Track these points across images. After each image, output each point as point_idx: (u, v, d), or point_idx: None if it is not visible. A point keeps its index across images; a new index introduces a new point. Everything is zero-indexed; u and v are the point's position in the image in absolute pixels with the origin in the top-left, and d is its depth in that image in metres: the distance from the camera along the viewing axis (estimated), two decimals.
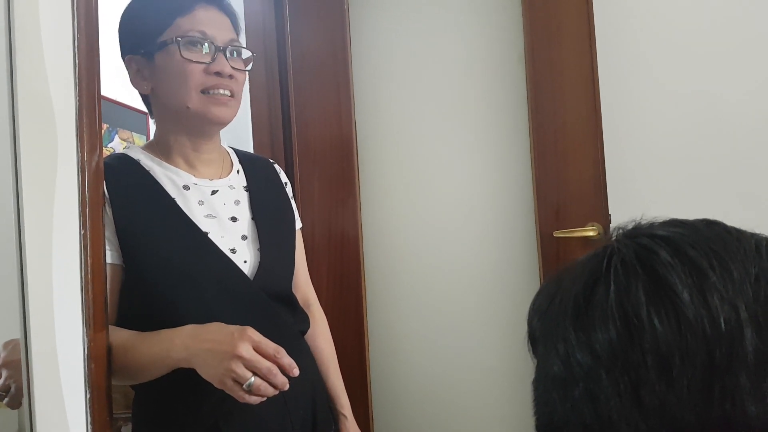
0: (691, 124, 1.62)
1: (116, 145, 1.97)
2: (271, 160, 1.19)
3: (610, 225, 1.57)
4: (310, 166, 1.79)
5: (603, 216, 1.57)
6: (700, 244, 0.41)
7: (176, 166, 1.01)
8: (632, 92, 1.65)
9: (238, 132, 1.81)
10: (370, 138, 1.90)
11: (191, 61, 0.95)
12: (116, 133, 1.97)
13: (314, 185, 1.78)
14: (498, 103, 1.81)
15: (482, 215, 1.82)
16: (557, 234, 1.61)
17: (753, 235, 0.42)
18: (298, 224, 1.16)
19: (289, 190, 1.16)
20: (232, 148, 1.13)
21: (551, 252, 1.63)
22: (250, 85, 1.83)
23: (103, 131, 1.92)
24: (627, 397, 0.39)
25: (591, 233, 1.58)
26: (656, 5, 1.65)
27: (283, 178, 1.16)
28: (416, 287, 1.86)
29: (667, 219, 0.45)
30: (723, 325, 0.37)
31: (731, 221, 1.48)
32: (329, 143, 1.80)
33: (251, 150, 1.82)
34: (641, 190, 1.64)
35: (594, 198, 1.57)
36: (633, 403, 0.39)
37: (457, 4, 1.86)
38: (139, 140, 2.07)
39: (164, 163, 1.00)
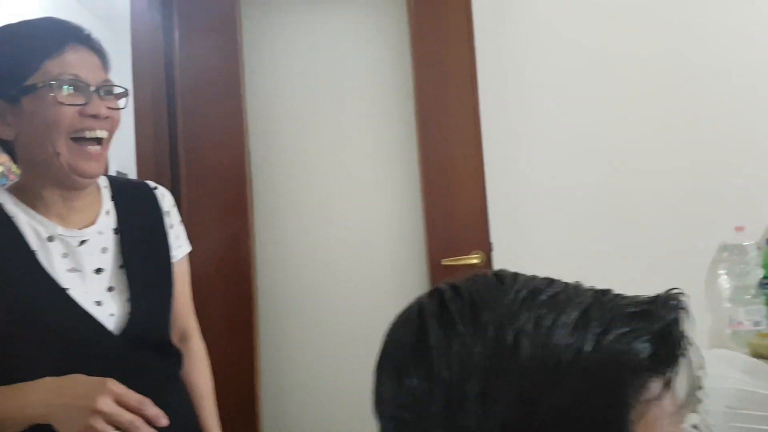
0: (567, 162, 1.76)
1: None
2: (152, 185, 1.13)
3: (492, 253, 1.68)
4: (200, 196, 1.74)
5: (486, 245, 1.67)
6: (463, 295, 0.44)
7: (43, 214, 0.96)
8: (513, 131, 1.78)
9: (122, 160, 1.73)
10: (264, 165, 1.89)
11: (65, 104, 0.91)
12: None
13: (204, 215, 1.73)
14: (392, 135, 1.88)
15: (377, 244, 1.86)
16: (445, 262, 1.69)
17: (527, 283, 0.44)
18: (185, 250, 1.14)
19: (172, 216, 1.11)
20: (109, 178, 1.08)
21: (440, 279, 1.68)
22: (134, 109, 1.76)
23: None
24: None
25: (475, 261, 1.67)
26: (537, 45, 1.79)
27: (166, 205, 1.11)
28: (311, 315, 1.86)
29: (482, 272, 0.48)
30: (457, 369, 0.40)
31: (601, 252, 1.62)
32: (220, 171, 1.76)
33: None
34: (519, 221, 1.76)
35: (477, 228, 1.67)
36: None
37: (351, 38, 1.91)
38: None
39: (30, 210, 0.95)
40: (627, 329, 0.40)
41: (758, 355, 1.51)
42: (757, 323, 1.60)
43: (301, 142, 1.90)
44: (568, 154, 1.77)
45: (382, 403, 0.45)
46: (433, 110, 1.72)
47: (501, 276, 0.46)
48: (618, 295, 0.43)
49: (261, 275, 1.84)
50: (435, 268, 1.70)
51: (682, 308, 0.42)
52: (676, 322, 0.41)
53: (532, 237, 1.75)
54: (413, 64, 1.75)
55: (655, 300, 0.42)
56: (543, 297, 0.42)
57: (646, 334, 0.40)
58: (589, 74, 1.78)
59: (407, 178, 1.85)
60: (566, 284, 0.45)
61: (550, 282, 0.45)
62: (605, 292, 0.44)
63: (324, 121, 1.90)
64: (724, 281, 1.70)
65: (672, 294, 0.42)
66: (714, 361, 1.52)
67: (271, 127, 1.90)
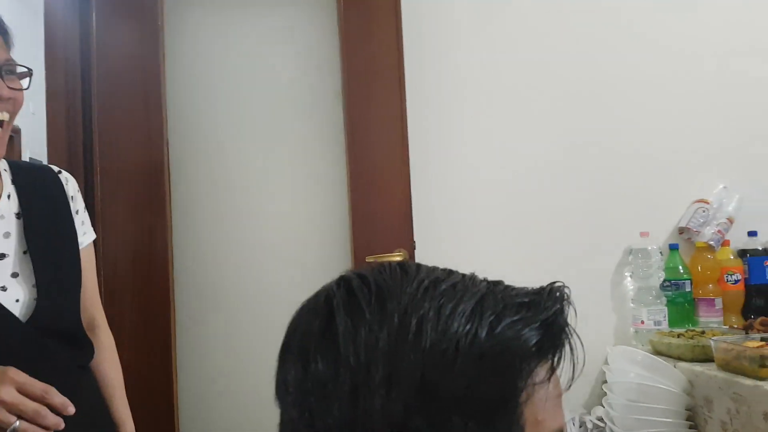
0: (488, 165, 1.82)
1: None
2: (56, 169, 1.09)
3: (415, 251, 1.71)
4: (114, 189, 1.67)
5: (409, 243, 1.70)
6: (370, 284, 0.45)
7: None
8: (438, 133, 1.82)
9: (33, 150, 1.64)
10: (186, 159, 1.83)
11: None
12: None
13: (119, 210, 1.66)
14: (319, 133, 1.87)
15: (303, 240, 1.85)
16: (369, 259, 1.70)
17: (429, 274, 0.46)
18: (90, 237, 1.10)
19: (77, 202, 1.08)
20: (9, 162, 1.03)
21: None
22: (46, 98, 1.66)
23: None
24: (303, 423, 0.44)
25: (398, 258, 1.70)
26: (462, 49, 1.83)
27: (70, 190, 1.07)
28: (231, 311, 1.83)
29: (387, 263, 0.49)
30: (363, 354, 0.42)
31: (517, 252, 1.67)
32: (137, 161, 1.69)
33: None
34: (441, 220, 1.80)
35: (401, 227, 1.70)
36: (308, 429, 0.43)
37: (279, 34, 1.89)
38: None
39: None
40: (517, 317, 0.43)
41: (658, 352, 1.61)
42: (658, 323, 1.72)
43: (225, 136, 1.86)
44: (489, 158, 1.83)
45: (286, 390, 0.45)
46: (361, 110, 1.73)
47: (405, 267, 0.47)
48: (508, 286, 0.46)
49: (180, 269, 1.78)
50: (359, 265, 1.71)
51: (566, 299, 0.44)
52: (560, 312, 0.44)
53: (453, 236, 1.80)
54: (342, 63, 1.76)
55: (541, 291, 0.45)
56: (443, 287, 0.44)
57: (534, 323, 0.43)
58: (512, 81, 1.85)
59: (334, 176, 1.85)
60: (463, 275, 0.47)
61: (449, 273, 0.47)
62: (497, 283, 0.46)
63: (249, 116, 1.87)
64: (629, 283, 1.81)
65: (556, 286, 0.45)
66: (618, 357, 1.62)
67: (194, 118, 1.85)
